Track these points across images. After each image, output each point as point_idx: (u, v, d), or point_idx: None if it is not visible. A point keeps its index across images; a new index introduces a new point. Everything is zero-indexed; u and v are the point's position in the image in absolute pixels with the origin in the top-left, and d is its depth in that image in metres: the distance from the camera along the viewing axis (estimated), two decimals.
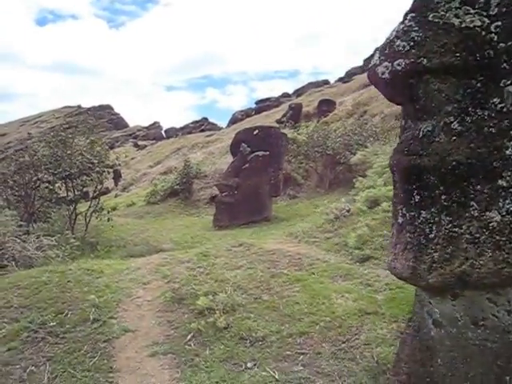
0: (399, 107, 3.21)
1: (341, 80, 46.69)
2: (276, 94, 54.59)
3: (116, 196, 30.04)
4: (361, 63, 48.30)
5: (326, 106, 28.76)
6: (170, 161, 37.09)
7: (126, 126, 71.72)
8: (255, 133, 13.80)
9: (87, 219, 12.22)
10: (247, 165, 13.69)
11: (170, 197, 17.77)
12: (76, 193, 12.30)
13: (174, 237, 12.94)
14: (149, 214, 16.69)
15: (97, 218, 12.23)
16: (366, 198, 9.22)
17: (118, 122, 71.29)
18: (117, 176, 38.09)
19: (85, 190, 13.51)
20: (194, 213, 16.68)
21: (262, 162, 13.53)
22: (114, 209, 19.86)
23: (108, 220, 11.92)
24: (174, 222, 15.63)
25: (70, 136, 12.34)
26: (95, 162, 11.86)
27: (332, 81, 49.66)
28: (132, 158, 50.47)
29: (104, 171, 12.10)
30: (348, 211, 9.04)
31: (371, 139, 15.79)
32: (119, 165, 15.88)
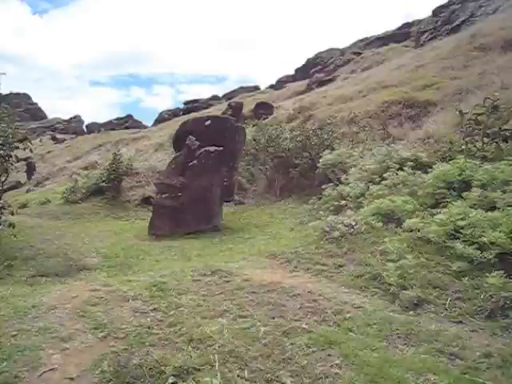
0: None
1: (272, 87, 44.80)
2: (203, 97, 51.81)
3: (28, 191, 25.95)
4: (291, 72, 46.70)
5: (264, 109, 26.41)
6: (91, 156, 33.26)
7: (45, 117, 65.79)
8: (207, 124, 11.01)
9: None
10: (195, 161, 10.86)
11: (94, 195, 14.46)
12: None
13: (100, 247, 9.84)
14: (67, 214, 13.33)
15: None
16: (377, 211, 6.76)
17: (35, 113, 65.21)
18: (30, 169, 33.77)
19: None
20: (123, 216, 13.53)
21: (213, 159, 10.76)
22: (24, 206, 16.25)
23: (10, 226, 8.61)
24: (99, 226, 12.43)
25: None
26: None
27: (262, 87, 47.64)
28: (49, 152, 45.78)
29: (10, 156, 8.75)
30: (354, 227, 6.50)
31: (337, 141, 13.50)
32: (29, 150, 11.83)
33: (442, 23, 33.50)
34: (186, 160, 10.95)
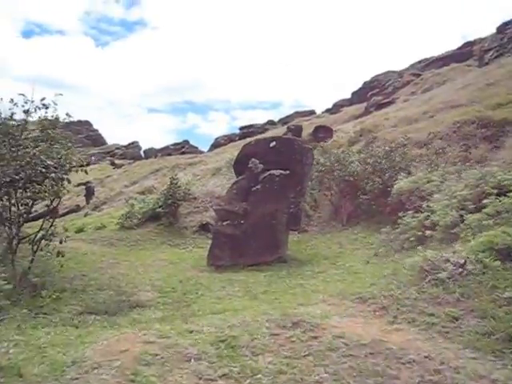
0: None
1: (328, 111, 43.64)
2: (258, 122, 51.21)
3: (86, 215, 25.73)
4: (348, 96, 45.44)
5: (323, 132, 25.17)
6: (147, 181, 33.05)
7: (104, 143, 67.14)
8: (272, 145, 9.95)
9: (34, 247, 8.07)
10: (259, 186, 9.81)
11: (150, 221, 13.64)
12: (20, 208, 8.12)
13: (155, 278, 8.88)
14: (122, 241, 12.53)
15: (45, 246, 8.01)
16: (489, 246, 5.41)
17: (96, 139, 66.63)
18: (89, 193, 33.88)
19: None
20: (180, 243, 12.59)
21: (279, 184, 9.67)
22: (80, 230, 15.66)
23: (58, 255, 7.73)
24: (155, 254, 11.52)
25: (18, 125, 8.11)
26: (51, 164, 7.72)
27: (318, 112, 46.57)
28: (107, 176, 46.17)
29: (63, 178, 7.91)
30: (464, 267, 5.17)
31: (413, 164, 12.11)
32: (84, 171, 10.97)
33: (508, 40, 31.49)
34: (248, 185, 9.92)
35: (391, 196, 11.44)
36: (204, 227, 13.38)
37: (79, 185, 48.00)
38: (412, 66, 39.69)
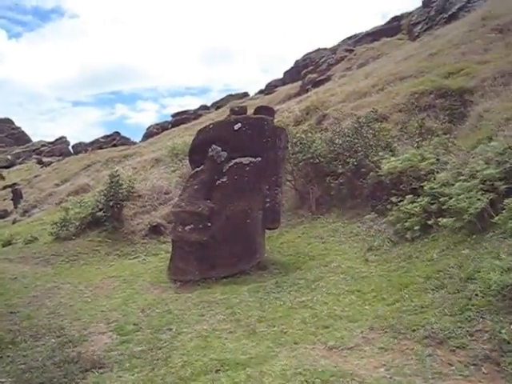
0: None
1: (261, 92, 41.78)
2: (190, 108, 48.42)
3: (14, 222, 22.50)
4: (280, 76, 43.78)
5: (265, 113, 23.30)
6: (80, 178, 29.94)
7: (29, 141, 61.80)
8: (237, 127, 7.90)
9: None
10: (224, 179, 7.79)
11: (90, 228, 11.22)
12: None
13: (108, 307, 6.72)
14: (59, 256, 10.09)
15: None
16: None
17: (19, 137, 61.21)
18: (17, 196, 30.23)
19: None
20: (130, 252, 10.33)
21: (250, 175, 7.70)
22: (8, 243, 12.99)
23: None
24: (102, 269, 9.25)
25: None
26: None
27: (251, 94, 44.59)
28: (36, 176, 42.19)
29: None
30: None
31: (393, 141, 10.41)
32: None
33: (436, 13, 30.87)
34: (211, 177, 7.88)
35: (370, 178, 9.81)
36: (155, 230, 11.20)
37: (5, 187, 43.58)
38: (343, 42, 38.44)
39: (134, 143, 42.60)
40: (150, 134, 43.44)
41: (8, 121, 63.04)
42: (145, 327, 5.71)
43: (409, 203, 7.64)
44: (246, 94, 43.90)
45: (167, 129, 40.94)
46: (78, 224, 11.22)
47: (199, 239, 7.45)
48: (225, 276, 7.41)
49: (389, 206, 8.65)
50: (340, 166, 10.70)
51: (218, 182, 7.82)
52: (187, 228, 7.63)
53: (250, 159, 7.80)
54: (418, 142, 9.67)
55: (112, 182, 11.49)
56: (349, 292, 5.94)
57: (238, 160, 7.88)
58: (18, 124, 65.09)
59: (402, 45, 30.21)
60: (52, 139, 59.71)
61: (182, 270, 7.56)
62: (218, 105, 42.99)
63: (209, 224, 7.53)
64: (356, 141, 10.72)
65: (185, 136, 26.68)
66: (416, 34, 31.25)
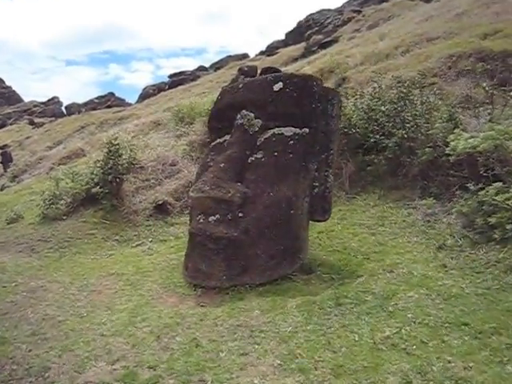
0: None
1: (262, 53, 39.13)
2: (187, 70, 45.51)
3: (2, 188, 20.38)
4: (281, 37, 41.06)
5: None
6: (73, 141, 27.67)
7: (20, 101, 58.63)
8: (277, 88, 5.82)
9: None
10: (259, 155, 5.80)
11: (85, 206, 9.18)
12: None
13: (110, 332, 4.77)
14: (47, 242, 8.11)
15: None
16: None
17: (10, 97, 58.01)
18: (6, 159, 27.98)
19: None
20: (132, 237, 8.36)
21: (294, 151, 5.71)
22: None
23: None
24: (99, 262, 7.31)
25: None
26: None
27: (251, 55, 41.89)
28: (27, 138, 39.75)
29: None
30: None
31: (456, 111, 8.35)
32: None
33: None
34: (241, 153, 5.86)
35: (424, 154, 7.87)
36: (161, 208, 9.22)
37: None
38: (348, 3, 35.74)
39: (130, 105, 40.12)
40: (145, 95, 40.90)
41: None
42: (166, 375, 3.83)
43: (496, 193, 5.73)
44: (245, 56, 41.23)
45: (164, 90, 38.42)
46: (69, 201, 9.20)
47: (228, 234, 5.50)
48: (261, 283, 5.52)
49: (458, 192, 6.77)
50: (383, 138, 8.70)
51: (251, 158, 5.83)
52: (211, 219, 5.66)
53: (294, 130, 5.79)
54: (489, 113, 7.67)
55: (110, 151, 9.39)
56: (452, 326, 4.08)
57: (276, 130, 5.86)
58: (8, 83, 61.65)
59: (415, 6, 27.69)
60: (44, 99, 56.62)
61: (205, 272, 5.64)
62: (216, 66, 40.35)
63: (240, 214, 5.57)
64: (403, 108, 8.70)
65: (184, 98, 24.41)
66: None
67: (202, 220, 5.76)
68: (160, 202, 9.22)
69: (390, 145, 8.43)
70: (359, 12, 31.12)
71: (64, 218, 8.89)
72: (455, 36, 14.98)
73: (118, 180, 9.28)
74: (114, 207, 9.08)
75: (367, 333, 4.18)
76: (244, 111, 6.05)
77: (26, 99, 59.40)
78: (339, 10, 34.41)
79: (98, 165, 9.41)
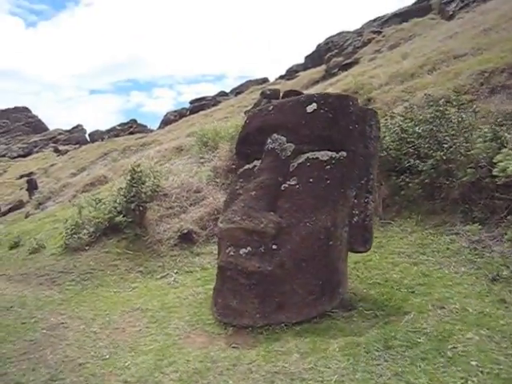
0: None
1: (282, 78, 39.06)
2: (207, 95, 45.72)
3: (27, 216, 20.41)
4: (300, 61, 40.99)
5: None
6: (96, 167, 27.78)
7: (46, 129, 59.65)
8: (311, 109, 5.40)
9: None
10: (293, 181, 5.35)
11: (107, 236, 8.83)
12: None
13: (135, 379, 4.34)
14: (68, 274, 7.77)
15: None
16: None
17: (36, 126, 59.09)
18: (31, 186, 28.20)
19: None
20: (156, 269, 7.94)
21: (331, 176, 5.25)
22: (16, 245, 10.78)
23: None
24: (121, 295, 6.89)
25: None
26: None
27: (271, 80, 41.86)
28: (52, 165, 40.25)
29: None
30: None
31: (501, 129, 7.81)
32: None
33: None
34: (273, 179, 5.42)
35: (465, 175, 7.33)
36: (185, 238, 8.81)
37: (21, 177, 41.57)
38: (367, 24, 35.51)
39: (152, 131, 40.30)
40: (167, 121, 41.08)
41: (25, 109, 60.95)
42: None
43: None
44: (265, 80, 41.20)
45: (185, 116, 38.54)
46: (92, 230, 8.87)
47: (261, 268, 5.03)
48: (298, 321, 5.00)
49: (509, 217, 6.19)
50: (418, 162, 8.17)
51: (284, 185, 5.38)
52: (243, 252, 5.20)
53: (330, 154, 5.33)
54: None
55: (133, 178, 9.07)
56: None
57: (311, 155, 5.42)
58: (34, 113, 62.92)
59: (437, 24, 27.30)
60: (69, 127, 57.52)
61: (236, 310, 5.15)
62: (237, 91, 40.38)
63: (274, 247, 5.10)
64: (439, 128, 8.19)
65: (206, 123, 24.28)
66: (450, 12, 28.33)
67: (232, 253, 5.30)
68: (185, 231, 8.81)
69: (425, 168, 7.89)
70: (379, 33, 30.86)
71: (86, 248, 8.54)
72: (484, 52, 14.48)
73: (141, 208, 8.93)
74: (137, 236, 8.71)
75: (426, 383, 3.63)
76: (275, 135, 5.63)
77: (52, 127, 60.52)
78: (358, 32, 34.20)
79: (121, 193, 9.09)
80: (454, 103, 8.52)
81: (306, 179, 5.27)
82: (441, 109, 8.31)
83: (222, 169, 10.77)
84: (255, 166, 5.91)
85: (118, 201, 9.01)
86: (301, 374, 4.04)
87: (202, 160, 12.56)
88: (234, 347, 4.80)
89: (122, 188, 9.19)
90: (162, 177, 10.47)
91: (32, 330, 5.69)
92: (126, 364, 4.64)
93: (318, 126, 5.35)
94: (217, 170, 10.86)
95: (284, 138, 5.57)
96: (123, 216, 8.72)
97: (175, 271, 7.76)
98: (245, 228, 5.14)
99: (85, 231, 8.84)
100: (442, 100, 8.80)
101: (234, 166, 10.76)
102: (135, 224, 8.76)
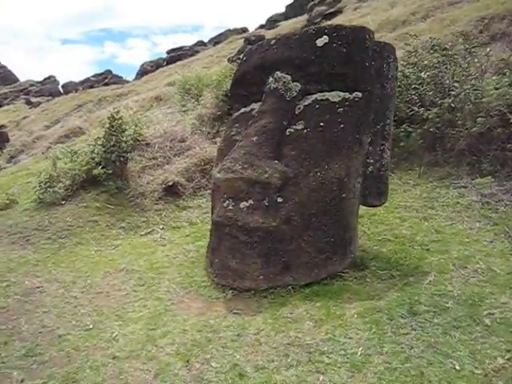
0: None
1: (262, 27, 37.42)
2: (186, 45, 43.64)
3: None
4: (281, 10, 39.24)
5: None
6: (71, 119, 26.34)
7: (16, 80, 56.64)
8: (321, 43, 4.59)
9: None
10: (299, 126, 4.61)
11: (85, 189, 7.99)
12: None
13: (125, 354, 3.67)
14: (43, 231, 6.96)
15: None
16: None
17: (5, 77, 55.98)
18: (2, 139, 26.57)
19: None
20: (140, 224, 7.21)
21: (345, 120, 4.52)
22: None
23: None
24: (103, 255, 6.17)
25: None
26: None
27: (251, 29, 40.11)
28: (24, 118, 38.25)
29: None
30: None
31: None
32: None
33: None
34: (277, 123, 4.65)
35: (476, 125, 6.69)
36: (171, 190, 8.05)
37: None
38: None
39: (127, 82, 38.47)
40: (143, 71, 39.30)
41: None
42: None
43: None
44: (245, 30, 39.45)
45: (162, 66, 36.81)
46: (68, 183, 7.98)
47: (265, 224, 4.35)
48: (306, 283, 4.39)
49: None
50: (422, 110, 7.47)
51: (290, 130, 4.63)
52: (243, 205, 4.50)
53: (342, 94, 4.57)
54: None
55: (112, 126, 8.15)
56: None
57: (319, 96, 4.65)
58: (4, 63, 59.48)
59: None
60: (41, 78, 54.73)
61: (235, 271, 4.50)
62: (215, 40, 38.61)
63: (280, 200, 4.41)
64: (446, 74, 7.46)
65: (185, 73, 23.03)
66: None
67: (231, 206, 4.59)
68: (170, 183, 8.03)
69: (430, 116, 7.21)
70: None
71: (63, 202, 7.70)
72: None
73: (121, 159, 8.08)
74: (118, 189, 7.90)
75: (468, 358, 3.08)
76: (278, 73, 4.83)
77: (22, 79, 57.47)
78: None
79: (99, 142, 8.19)
80: (463, 47, 7.73)
81: (315, 123, 4.52)
82: (449, 53, 7.55)
83: (208, 117, 9.91)
84: (253, 109, 5.13)
85: (96, 151, 8.10)
86: (318, 346, 3.45)
87: (184, 109, 11.62)
88: (235, 313, 4.18)
89: (99, 137, 8.27)
90: (143, 126, 9.53)
91: (4, 296, 4.95)
92: (114, 335, 3.99)
93: (329, 63, 4.56)
94: (202, 119, 9.99)
95: (289, 77, 4.77)
96: (102, 167, 7.85)
97: (161, 227, 7.04)
98: (247, 178, 4.40)
99: (60, 184, 7.95)
100: (450, 43, 8.01)
101: (219, 113, 9.93)
102: (116, 176, 7.93)
